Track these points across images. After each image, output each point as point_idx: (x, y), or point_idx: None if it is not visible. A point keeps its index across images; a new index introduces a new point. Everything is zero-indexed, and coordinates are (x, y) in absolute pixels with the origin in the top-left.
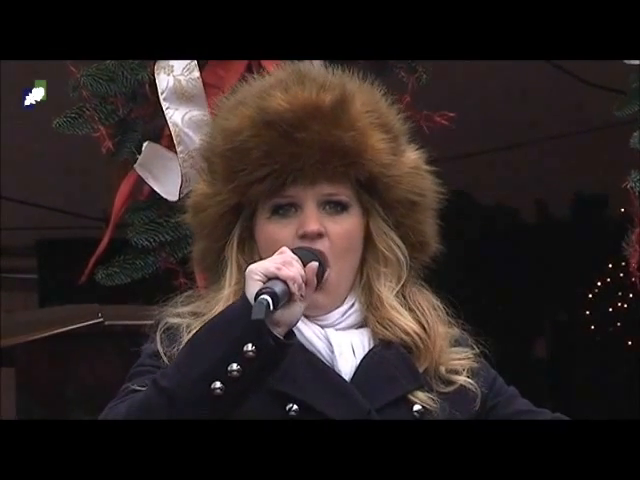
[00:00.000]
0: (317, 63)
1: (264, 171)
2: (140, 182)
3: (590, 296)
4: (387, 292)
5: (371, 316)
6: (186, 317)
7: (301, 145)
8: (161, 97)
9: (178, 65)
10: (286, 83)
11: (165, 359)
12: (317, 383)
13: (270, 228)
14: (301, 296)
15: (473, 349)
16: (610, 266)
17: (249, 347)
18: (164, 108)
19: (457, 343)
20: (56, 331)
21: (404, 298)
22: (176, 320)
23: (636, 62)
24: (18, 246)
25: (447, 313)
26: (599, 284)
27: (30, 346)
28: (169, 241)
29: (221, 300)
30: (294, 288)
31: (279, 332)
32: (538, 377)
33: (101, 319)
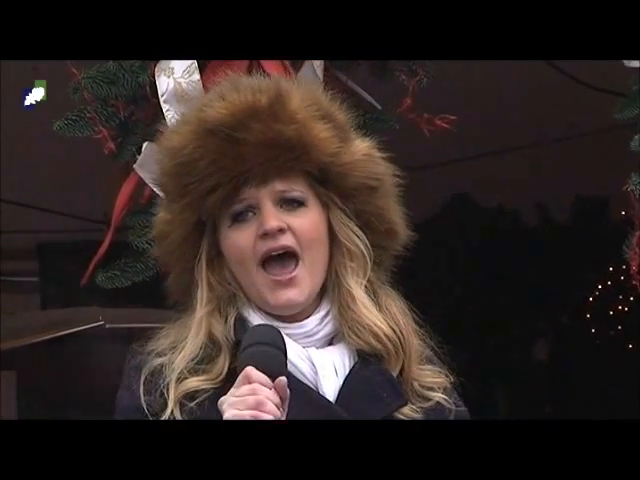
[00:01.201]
0: (318, 63)
1: (214, 179)
2: (141, 185)
3: (591, 299)
4: (357, 288)
5: (344, 321)
6: (167, 353)
7: (245, 145)
8: (161, 99)
9: (178, 67)
10: (222, 93)
11: (145, 407)
12: (303, 405)
13: (232, 236)
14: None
15: (446, 374)
16: (611, 269)
17: None
18: (164, 110)
19: (430, 362)
20: (57, 334)
21: (374, 296)
22: (159, 360)
23: (636, 64)
24: (19, 249)
25: (418, 324)
26: (600, 287)
27: (31, 349)
28: None
29: (193, 325)
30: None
31: None
32: (539, 380)
33: (102, 322)
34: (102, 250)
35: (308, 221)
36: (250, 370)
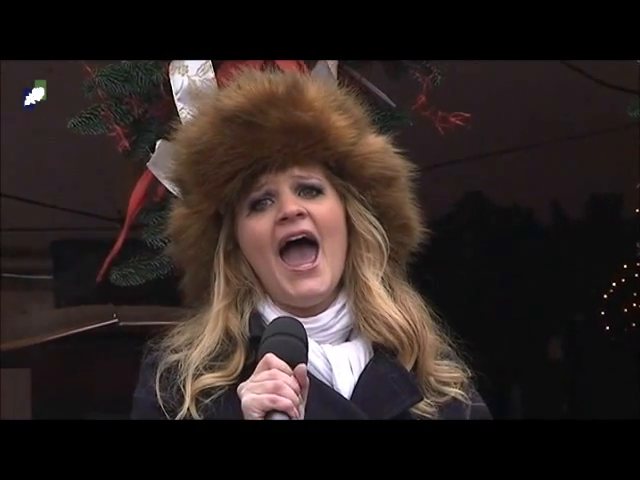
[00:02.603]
0: (332, 62)
1: (232, 166)
2: (155, 183)
3: (605, 296)
4: (373, 279)
5: (359, 312)
6: (182, 349)
7: (263, 131)
8: (176, 97)
9: (193, 65)
10: (238, 84)
11: (161, 403)
12: (320, 402)
13: (250, 224)
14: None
15: (464, 369)
16: (625, 266)
17: None
18: (179, 108)
19: (447, 357)
20: (71, 332)
21: (390, 289)
22: (175, 357)
23: None
24: (33, 247)
25: (435, 319)
26: (614, 284)
27: (45, 347)
28: None
29: (210, 319)
30: (294, 413)
31: None
32: (553, 377)
33: (116, 320)
34: (116, 248)
35: (327, 208)
36: (270, 357)
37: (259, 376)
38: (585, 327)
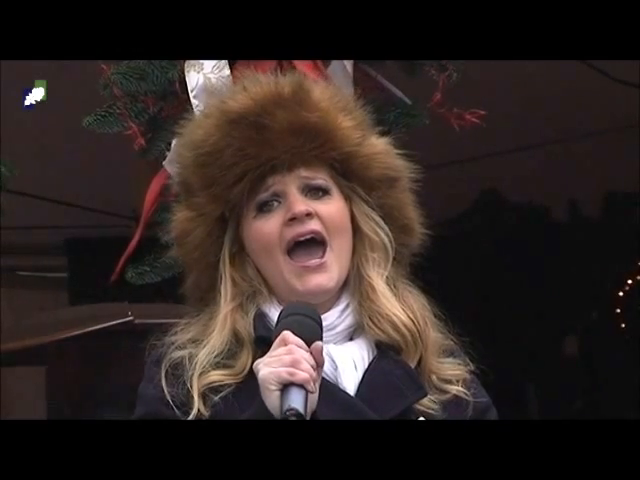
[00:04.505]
0: (348, 61)
1: (240, 168)
2: (170, 180)
3: (621, 294)
4: (377, 279)
5: (364, 311)
6: (187, 347)
7: (270, 132)
8: (191, 95)
9: (208, 63)
10: (243, 85)
11: (169, 398)
12: (325, 401)
13: (257, 225)
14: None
15: (467, 363)
16: None
17: None
18: (194, 106)
19: (451, 354)
20: (86, 330)
21: (394, 288)
22: (179, 353)
23: None
24: (48, 245)
25: (439, 318)
26: (630, 282)
27: (60, 345)
28: None
29: (218, 321)
30: (311, 387)
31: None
32: (569, 375)
33: (131, 317)
34: (132, 246)
35: (334, 208)
36: (287, 333)
37: (276, 351)
38: (600, 325)
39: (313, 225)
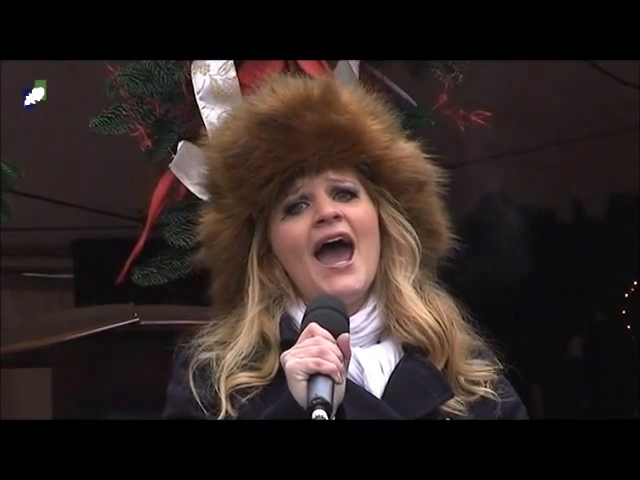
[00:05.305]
0: (354, 62)
1: (269, 170)
2: (176, 182)
3: (626, 295)
4: (404, 282)
5: (390, 314)
6: (214, 349)
7: (299, 134)
8: (197, 97)
9: (214, 65)
10: (272, 87)
11: (198, 399)
12: (351, 403)
13: (285, 227)
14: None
15: (495, 363)
16: None
17: None
18: (200, 108)
19: (479, 355)
20: (92, 331)
21: (421, 290)
22: (207, 355)
23: None
24: (54, 246)
25: (467, 320)
26: (635, 283)
27: (66, 346)
28: None
29: (245, 323)
30: (338, 378)
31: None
32: (574, 377)
33: (137, 319)
34: (138, 248)
35: (362, 211)
36: (314, 325)
37: (303, 342)
38: (606, 326)
39: (341, 227)
